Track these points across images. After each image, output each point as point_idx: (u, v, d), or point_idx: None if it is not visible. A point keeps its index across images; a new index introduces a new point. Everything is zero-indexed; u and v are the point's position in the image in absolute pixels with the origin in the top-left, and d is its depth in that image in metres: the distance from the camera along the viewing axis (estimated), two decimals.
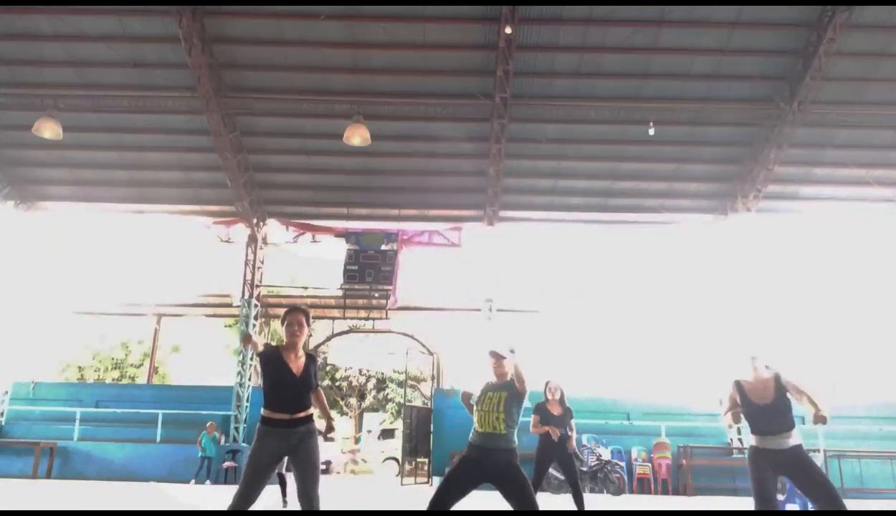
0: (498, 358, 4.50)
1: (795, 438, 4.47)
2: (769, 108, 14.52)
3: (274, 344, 4.34)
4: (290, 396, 4.09)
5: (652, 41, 13.64)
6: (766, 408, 4.55)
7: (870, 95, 14.44)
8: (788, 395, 4.54)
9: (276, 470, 4.20)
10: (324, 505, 4.08)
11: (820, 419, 4.37)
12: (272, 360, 4.17)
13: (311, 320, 4.35)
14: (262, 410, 4.13)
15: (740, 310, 16.08)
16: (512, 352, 4.47)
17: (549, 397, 7.15)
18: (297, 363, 4.18)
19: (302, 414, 4.09)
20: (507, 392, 4.40)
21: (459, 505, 4.23)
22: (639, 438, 15.80)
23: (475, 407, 4.46)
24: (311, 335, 4.29)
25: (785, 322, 17.03)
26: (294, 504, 3.89)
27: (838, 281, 17.47)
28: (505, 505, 4.30)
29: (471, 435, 4.46)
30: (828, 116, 14.54)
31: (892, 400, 16.41)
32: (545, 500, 8.96)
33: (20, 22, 13.45)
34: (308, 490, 3.98)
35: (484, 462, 4.27)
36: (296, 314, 4.29)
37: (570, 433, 7.08)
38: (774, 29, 13.50)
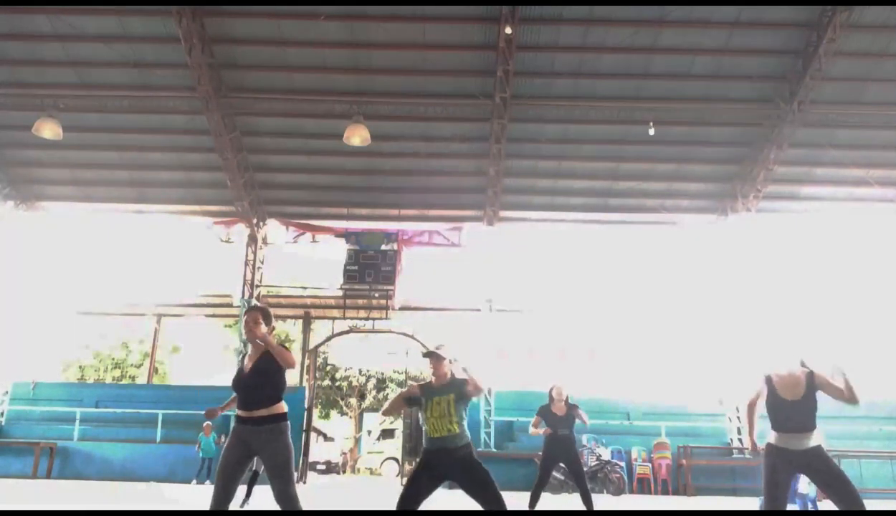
0: (438, 359, 4.51)
1: (816, 439, 4.43)
2: (769, 108, 14.53)
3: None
4: (243, 395, 4.19)
5: (652, 41, 13.65)
6: (793, 405, 4.47)
7: (870, 95, 14.45)
8: (818, 394, 4.47)
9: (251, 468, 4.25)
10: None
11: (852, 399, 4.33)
12: (240, 363, 4.34)
13: (272, 318, 4.38)
14: None
15: (740, 311, 16.08)
16: (455, 361, 4.51)
17: (556, 397, 7.25)
18: (251, 362, 4.25)
19: (261, 412, 4.12)
20: (454, 393, 4.42)
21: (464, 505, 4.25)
22: (639, 438, 15.81)
23: (422, 415, 4.44)
24: (271, 331, 4.33)
25: (784, 321, 17.01)
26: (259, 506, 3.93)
27: (838, 281, 17.45)
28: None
29: (424, 441, 4.44)
30: (828, 116, 14.56)
31: (892, 400, 16.41)
32: (545, 500, 8.95)
33: (20, 22, 13.45)
34: (282, 491, 4.00)
35: (443, 463, 4.32)
36: (251, 312, 4.35)
37: (584, 422, 7.30)
38: (774, 29, 13.50)
